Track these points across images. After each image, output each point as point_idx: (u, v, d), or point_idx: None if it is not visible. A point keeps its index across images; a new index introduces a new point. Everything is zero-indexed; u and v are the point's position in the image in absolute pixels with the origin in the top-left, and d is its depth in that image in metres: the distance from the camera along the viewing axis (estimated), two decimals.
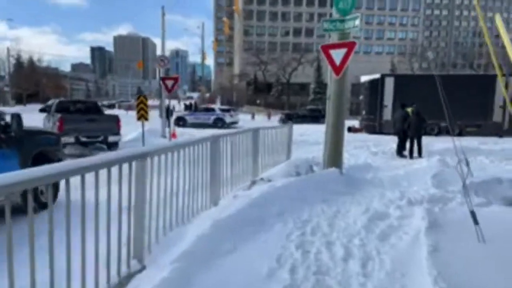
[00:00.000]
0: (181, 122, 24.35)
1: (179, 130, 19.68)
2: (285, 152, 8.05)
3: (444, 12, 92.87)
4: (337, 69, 6.60)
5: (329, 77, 6.94)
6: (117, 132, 11.31)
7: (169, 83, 12.41)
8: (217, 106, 26.98)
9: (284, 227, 4.05)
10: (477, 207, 4.66)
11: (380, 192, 5.74)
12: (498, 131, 18.78)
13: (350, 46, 6.43)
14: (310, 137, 16.45)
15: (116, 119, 11.49)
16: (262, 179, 5.76)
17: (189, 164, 4.08)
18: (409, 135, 10.40)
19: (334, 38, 6.83)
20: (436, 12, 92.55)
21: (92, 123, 10.86)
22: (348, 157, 10.36)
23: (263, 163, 6.82)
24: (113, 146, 11.42)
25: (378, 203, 5.03)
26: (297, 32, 76.09)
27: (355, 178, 6.64)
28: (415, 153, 10.47)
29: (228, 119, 23.95)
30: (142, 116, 11.35)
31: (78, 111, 11.92)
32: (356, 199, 5.37)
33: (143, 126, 11.50)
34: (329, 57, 6.67)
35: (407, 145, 10.67)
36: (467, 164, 7.34)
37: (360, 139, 15.81)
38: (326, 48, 6.71)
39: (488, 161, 9.59)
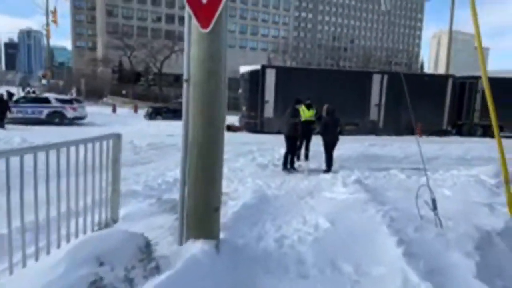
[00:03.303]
0: None
1: None
2: (101, 203, 3.39)
3: (310, 16, 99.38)
4: (203, 13, 2.84)
5: (188, 39, 3.09)
6: None
7: None
8: (53, 95, 20.11)
9: None
10: None
11: None
12: (375, 130, 18.36)
13: None
14: (181, 138, 12.51)
15: None
16: None
17: None
18: (326, 140, 7.33)
19: None
20: (303, 14, 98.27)
21: None
22: (230, 178, 6.83)
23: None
24: None
25: None
26: (169, 19, 69.99)
27: (248, 259, 3.04)
28: (322, 165, 7.65)
29: (69, 113, 17.79)
30: None
31: None
32: None
33: None
34: None
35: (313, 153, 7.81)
36: (434, 205, 4.27)
37: (241, 141, 12.71)
38: None
39: (404, 176, 7.37)
